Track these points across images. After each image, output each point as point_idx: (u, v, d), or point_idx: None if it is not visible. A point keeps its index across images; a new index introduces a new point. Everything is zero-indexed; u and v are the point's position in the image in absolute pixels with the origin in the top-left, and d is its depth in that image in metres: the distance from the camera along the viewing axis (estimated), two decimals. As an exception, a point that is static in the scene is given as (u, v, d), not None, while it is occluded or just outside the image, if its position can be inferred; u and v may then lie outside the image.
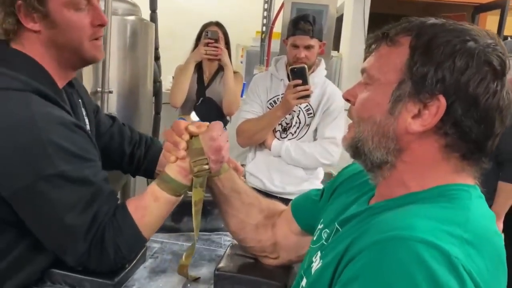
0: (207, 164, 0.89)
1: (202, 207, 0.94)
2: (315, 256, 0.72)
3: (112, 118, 1.22)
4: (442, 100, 0.59)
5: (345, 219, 0.70)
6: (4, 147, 0.79)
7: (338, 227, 0.71)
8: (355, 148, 0.68)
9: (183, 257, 0.97)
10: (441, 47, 0.59)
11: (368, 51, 0.68)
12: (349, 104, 0.72)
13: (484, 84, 0.58)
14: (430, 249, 0.49)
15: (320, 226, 0.80)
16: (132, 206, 0.89)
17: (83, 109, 1.03)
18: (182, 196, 0.93)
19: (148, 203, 0.89)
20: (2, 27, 0.87)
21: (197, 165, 0.88)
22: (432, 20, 0.63)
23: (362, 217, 0.67)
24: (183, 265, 0.97)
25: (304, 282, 0.71)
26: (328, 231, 0.74)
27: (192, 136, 0.90)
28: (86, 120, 1.04)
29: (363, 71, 0.68)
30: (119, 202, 0.92)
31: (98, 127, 1.13)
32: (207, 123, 0.93)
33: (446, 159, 0.62)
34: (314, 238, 0.79)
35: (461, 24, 0.62)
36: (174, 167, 0.90)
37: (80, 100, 1.03)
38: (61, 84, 0.94)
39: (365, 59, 0.69)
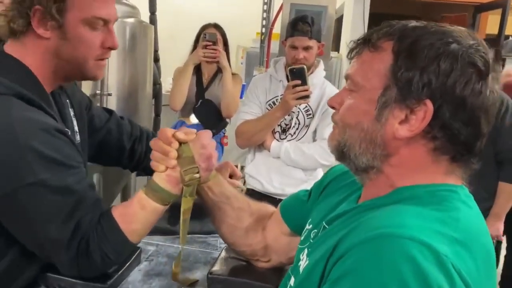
0: (198, 172, 0.87)
1: (198, 210, 0.93)
2: (302, 254, 0.72)
3: (109, 112, 1.18)
4: (429, 105, 0.58)
5: (333, 217, 0.70)
6: None
7: (326, 225, 0.71)
8: (340, 152, 0.67)
9: (173, 265, 0.96)
10: (425, 50, 0.58)
11: (350, 57, 0.67)
12: None
13: (470, 86, 0.58)
14: (419, 246, 0.49)
15: (308, 227, 0.79)
16: (117, 212, 0.87)
17: (71, 110, 1.01)
18: (170, 203, 0.91)
19: (134, 211, 0.87)
20: (9, 25, 0.85)
21: (188, 174, 0.86)
22: (413, 23, 0.63)
23: (349, 215, 0.67)
24: (175, 273, 0.96)
25: (292, 281, 0.71)
26: (316, 231, 0.74)
27: (180, 143, 0.88)
28: (74, 121, 1.02)
29: (347, 77, 0.67)
30: (107, 207, 0.91)
31: (92, 122, 1.11)
32: (195, 130, 0.92)
33: (435, 162, 0.62)
34: (302, 238, 0.79)
35: (443, 25, 0.62)
36: (163, 176, 0.87)
37: (67, 101, 1.01)
38: (49, 89, 0.92)
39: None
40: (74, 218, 0.82)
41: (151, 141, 0.90)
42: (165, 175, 0.87)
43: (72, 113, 1.01)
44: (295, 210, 0.93)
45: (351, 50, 0.67)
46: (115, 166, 1.23)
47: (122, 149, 1.15)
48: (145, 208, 0.87)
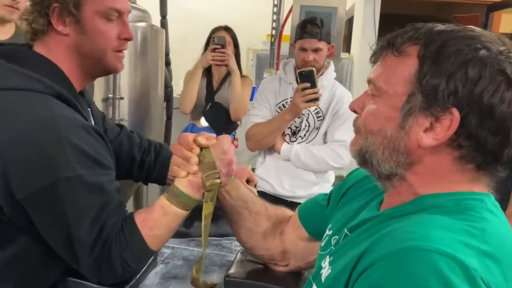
0: (219, 178, 0.88)
1: (213, 212, 0.94)
2: (323, 261, 0.71)
3: (120, 126, 1.22)
4: (456, 113, 0.56)
5: (355, 225, 0.69)
6: (24, 147, 0.79)
7: (348, 233, 0.70)
8: (363, 158, 0.66)
9: (194, 270, 0.96)
10: (452, 57, 0.56)
11: (373, 61, 0.66)
12: None
13: (498, 94, 0.55)
14: (447, 260, 0.48)
15: (328, 232, 0.79)
16: (140, 218, 0.88)
17: (91, 119, 1.04)
18: (191, 209, 0.91)
19: (156, 217, 0.88)
20: (31, 26, 0.90)
21: (209, 179, 0.87)
22: (440, 26, 0.61)
23: (372, 223, 0.65)
24: (194, 279, 0.96)
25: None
26: (337, 237, 0.73)
27: (201, 148, 0.88)
28: None
29: (369, 81, 0.66)
30: (128, 212, 0.92)
31: (106, 134, 1.13)
32: (215, 135, 0.92)
33: (460, 171, 0.60)
34: (323, 244, 0.79)
35: (471, 29, 0.60)
36: (184, 181, 0.87)
37: (89, 109, 1.04)
38: (78, 88, 0.95)
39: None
40: (100, 220, 0.83)
41: (172, 146, 0.91)
42: (186, 181, 0.88)
43: (93, 122, 1.04)
44: (314, 215, 0.92)
45: (374, 54, 0.65)
46: (125, 179, 1.25)
47: (133, 160, 1.17)
48: (167, 213, 0.88)
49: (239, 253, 1.05)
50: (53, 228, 0.84)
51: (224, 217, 1.00)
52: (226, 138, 0.92)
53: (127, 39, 0.95)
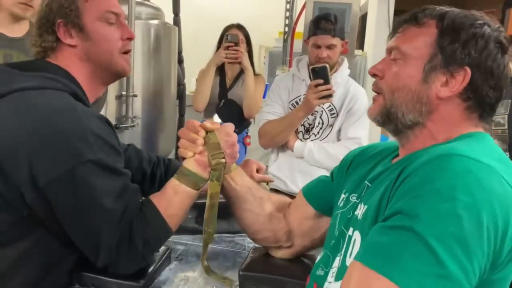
0: (224, 158, 0.93)
1: (224, 209, 0.95)
2: (356, 209, 0.79)
3: (128, 144, 1.26)
4: (468, 71, 0.72)
5: (375, 176, 0.80)
6: (47, 134, 0.83)
7: (369, 184, 0.80)
8: (385, 115, 0.78)
9: (201, 259, 0.98)
10: (466, 29, 0.73)
11: (395, 32, 0.80)
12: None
13: (497, 60, 0.73)
14: (476, 162, 0.61)
15: (344, 196, 0.87)
16: (155, 200, 0.92)
17: None
18: (200, 190, 0.95)
19: (169, 197, 0.92)
20: (41, 45, 0.97)
21: (215, 158, 0.93)
22: (447, 8, 0.77)
23: (396, 165, 0.76)
24: (204, 266, 0.97)
25: (350, 231, 0.78)
26: (356, 194, 0.83)
27: (207, 132, 0.95)
28: None
29: (391, 48, 0.79)
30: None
31: None
32: (219, 121, 0.96)
33: (467, 119, 0.75)
34: (341, 205, 0.86)
35: (470, 11, 0.76)
36: (192, 161, 0.93)
37: None
38: (91, 99, 1.00)
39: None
40: (124, 199, 0.87)
41: (179, 131, 0.96)
42: (193, 160, 0.93)
43: None
44: (319, 191, 1.00)
45: (397, 26, 0.80)
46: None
47: (144, 174, 1.20)
48: (178, 192, 0.92)
49: (252, 250, 1.05)
50: (76, 213, 0.85)
51: (228, 204, 1.03)
52: (229, 124, 0.99)
53: (129, 39, 1.02)
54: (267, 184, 2.04)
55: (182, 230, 1.13)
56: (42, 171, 0.82)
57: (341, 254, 0.79)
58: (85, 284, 0.91)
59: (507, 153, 1.74)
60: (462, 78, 0.73)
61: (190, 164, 0.93)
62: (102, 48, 0.98)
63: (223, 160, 0.93)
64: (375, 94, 0.81)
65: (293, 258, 1.03)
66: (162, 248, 1.01)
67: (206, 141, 0.93)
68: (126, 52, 1.02)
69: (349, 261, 0.75)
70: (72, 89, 0.92)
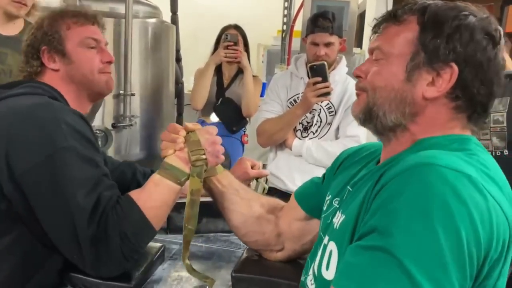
0: (204, 154, 0.94)
1: (217, 208, 0.94)
2: (334, 217, 0.76)
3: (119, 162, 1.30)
4: (455, 67, 0.67)
5: (356, 181, 0.76)
6: (23, 125, 0.88)
7: (350, 189, 0.77)
8: (368, 113, 0.73)
9: (182, 256, 0.98)
10: (449, 21, 0.67)
11: (375, 32, 0.76)
12: None
13: (486, 52, 0.67)
14: (454, 172, 0.57)
15: (328, 198, 0.85)
16: (134, 194, 0.92)
17: None
18: (183, 186, 0.95)
19: (149, 190, 0.93)
20: (27, 70, 1.06)
21: (195, 155, 0.94)
22: (430, 1, 0.72)
23: (374, 171, 0.73)
24: (186, 264, 0.97)
25: (326, 239, 0.76)
26: (339, 198, 0.80)
27: (188, 132, 0.96)
28: None
29: (373, 49, 0.75)
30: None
31: (106, 164, 1.15)
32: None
33: (455, 119, 0.70)
34: (325, 208, 0.84)
35: (454, 2, 0.71)
36: (172, 156, 0.95)
37: None
38: None
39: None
40: (96, 191, 0.87)
41: (162, 134, 0.98)
42: (174, 156, 0.95)
43: None
44: (310, 193, 0.97)
45: (377, 25, 0.75)
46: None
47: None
48: (159, 185, 0.93)
49: (246, 250, 1.04)
50: (50, 204, 0.86)
51: (217, 207, 1.03)
52: (211, 126, 1.02)
53: (109, 62, 1.11)
54: (266, 183, 2.04)
55: (178, 229, 1.12)
56: (18, 161, 0.86)
57: (314, 262, 0.77)
58: (75, 285, 0.90)
59: (506, 151, 1.73)
60: (449, 76, 0.67)
61: (170, 159, 0.94)
62: (83, 68, 1.06)
63: (204, 157, 0.94)
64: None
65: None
66: (156, 246, 1.00)
67: (187, 139, 0.95)
68: (105, 72, 1.10)
69: (325, 273, 0.72)
70: (53, 94, 0.98)
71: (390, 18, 0.73)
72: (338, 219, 0.74)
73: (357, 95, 0.77)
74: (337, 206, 0.78)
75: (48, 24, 1.06)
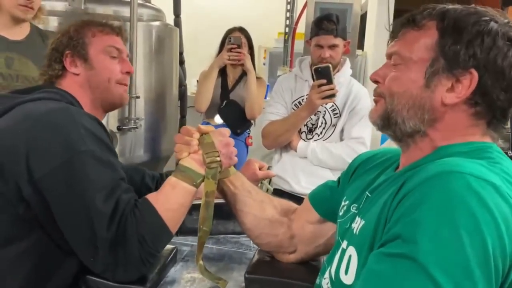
0: (218, 156, 0.95)
1: (231, 211, 0.95)
2: (353, 222, 0.76)
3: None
4: (475, 73, 0.66)
5: (375, 187, 0.76)
6: (43, 129, 0.89)
7: (369, 195, 0.76)
8: (386, 119, 0.73)
9: (196, 258, 0.98)
10: (469, 27, 0.67)
11: (393, 37, 0.75)
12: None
13: (508, 58, 0.66)
14: (479, 180, 0.56)
15: (345, 203, 0.84)
16: (152, 197, 0.92)
17: None
18: (198, 188, 0.95)
19: (166, 192, 0.93)
20: (48, 73, 1.08)
21: (209, 157, 0.94)
22: (449, 5, 0.71)
23: (394, 177, 0.72)
24: (199, 265, 0.98)
25: (344, 244, 0.75)
26: (356, 204, 0.80)
27: (201, 134, 0.97)
28: None
29: (391, 54, 0.75)
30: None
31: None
32: (221, 122, 0.97)
33: (474, 125, 0.70)
34: (341, 213, 0.84)
35: (474, 7, 0.70)
36: (187, 159, 0.95)
37: None
38: None
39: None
40: (115, 195, 0.88)
41: (175, 136, 0.99)
42: (189, 158, 0.95)
43: None
44: (325, 196, 0.97)
45: (395, 31, 0.75)
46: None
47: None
48: (175, 187, 0.93)
49: (257, 251, 1.05)
50: (69, 208, 0.87)
51: (230, 208, 1.03)
52: (224, 128, 1.02)
53: (128, 73, 1.13)
54: (269, 183, 2.05)
55: (188, 231, 1.13)
56: (38, 164, 0.86)
57: (332, 265, 0.77)
58: (90, 287, 0.90)
59: (510, 152, 1.74)
60: (469, 82, 0.66)
61: (185, 161, 0.95)
62: (102, 76, 1.08)
63: (218, 159, 0.95)
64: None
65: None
66: (168, 247, 1.01)
67: (201, 141, 0.96)
68: (123, 84, 1.12)
69: (344, 277, 0.72)
70: (69, 100, 1.00)
71: (409, 23, 0.72)
72: (357, 224, 0.74)
73: (375, 101, 0.76)
74: (356, 212, 0.78)
75: (74, 30, 1.09)
